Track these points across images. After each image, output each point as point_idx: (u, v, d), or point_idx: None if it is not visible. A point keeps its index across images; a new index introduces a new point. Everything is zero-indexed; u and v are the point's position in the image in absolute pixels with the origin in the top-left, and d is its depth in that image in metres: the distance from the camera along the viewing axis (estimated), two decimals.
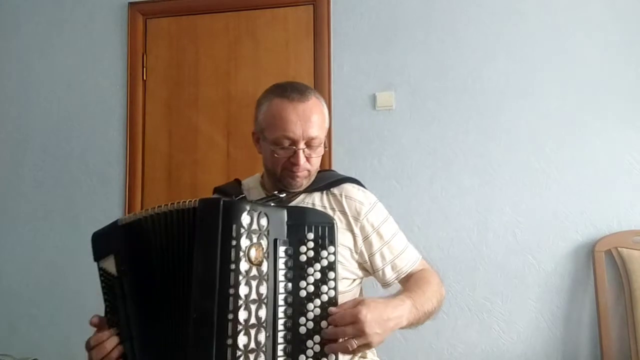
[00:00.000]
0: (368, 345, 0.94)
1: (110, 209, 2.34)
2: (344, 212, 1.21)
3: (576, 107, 2.04)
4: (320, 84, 2.21)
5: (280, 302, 0.95)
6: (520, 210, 2.04)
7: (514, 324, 2.01)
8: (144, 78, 2.39)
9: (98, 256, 1.06)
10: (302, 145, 1.16)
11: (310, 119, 1.16)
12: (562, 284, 1.99)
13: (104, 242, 1.06)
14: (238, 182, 1.36)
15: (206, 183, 2.27)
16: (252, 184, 1.34)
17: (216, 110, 2.32)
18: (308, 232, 0.99)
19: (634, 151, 1.99)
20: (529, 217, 2.03)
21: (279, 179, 1.21)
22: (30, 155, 2.46)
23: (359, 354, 1.21)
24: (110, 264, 1.04)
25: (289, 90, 1.17)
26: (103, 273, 1.05)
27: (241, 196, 1.23)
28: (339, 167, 2.10)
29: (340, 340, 0.93)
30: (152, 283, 1.00)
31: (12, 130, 2.49)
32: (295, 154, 1.16)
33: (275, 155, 1.17)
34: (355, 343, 0.92)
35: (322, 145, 1.21)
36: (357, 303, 0.96)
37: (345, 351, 0.93)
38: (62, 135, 2.44)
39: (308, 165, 1.19)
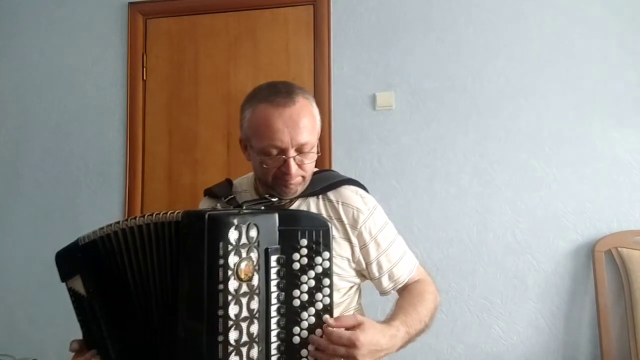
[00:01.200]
0: None
1: (110, 209, 2.35)
2: (340, 220, 1.14)
3: (576, 107, 2.04)
4: (320, 84, 2.21)
5: (273, 313, 0.92)
6: (520, 210, 2.04)
7: (514, 324, 2.01)
8: (144, 78, 2.39)
9: (64, 277, 1.00)
10: (292, 153, 1.06)
11: (298, 125, 1.05)
12: (562, 284, 1.99)
13: (67, 262, 1.00)
14: (229, 183, 1.29)
15: (206, 183, 2.23)
16: (245, 186, 1.27)
17: (216, 110, 2.32)
18: (301, 238, 0.95)
19: (634, 151, 1.98)
20: (528, 217, 2.03)
21: (271, 187, 1.13)
22: (30, 155, 2.46)
23: None
24: (78, 285, 0.98)
25: (274, 94, 1.06)
26: (72, 294, 1.00)
27: (230, 197, 1.18)
28: (339, 167, 2.10)
29: (330, 351, 0.91)
30: (127, 302, 0.95)
31: (12, 130, 2.49)
32: (285, 163, 1.06)
33: (265, 166, 1.08)
34: None
35: (316, 148, 1.11)
36: (357, 325, 0.94)
37: None
38: (62, 135, 2.44)
39: (301, 172, 1.10)
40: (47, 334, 2.34)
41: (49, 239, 2.39)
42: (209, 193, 1.28)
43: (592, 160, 2.01)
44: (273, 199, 1.11)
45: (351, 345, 0.90)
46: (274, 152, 1.06)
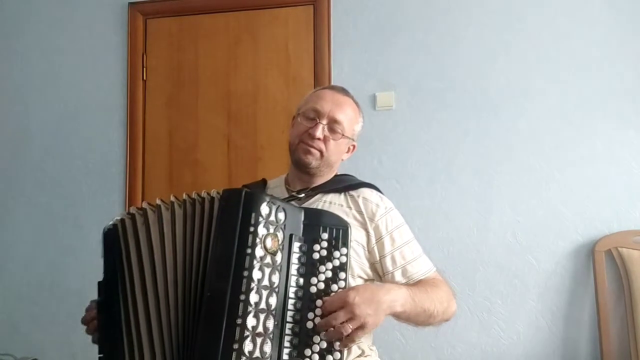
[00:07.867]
0: (362, 328, 0.93)
1: (110, 209, 2.34)
2: (360, 212, 1.23)
3: (576, 107, 2.04)
4: (320, 84, 2.20)
5: (291, 294, 0.97)
6: (520, 210, 2.04)
7: (514, 324, 2.01)
8: (144, 78, 2.39)
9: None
10: (324, 120, 1.24)
11: (341, 105, 1.26)
12: (562, 284, 1.99)
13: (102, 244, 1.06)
14: (264, 182, 1.41)
15: (207, 183, 2.27)
16: (277, 183, 1.38)
17: (216, 110, 2.32)
18: (323, 232, 1.02)
19: (634, 151, 1.99)
20: (529, 217, 2.03)
21: (294, 152, 1.27)
22: (31, 155, 2.46)
23: (365, 354, 1.21)
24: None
25: (334, 86, 1.38)
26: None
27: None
28: (339, 167, 2.10)
29: (334, 324, 0.92)
30: (152, 282, 0.98)
31: (12, 130, 2.49)
32: (315, 125, 1.23)
33: (299, 125, 1.26)
34: (349, 327, 0.92)
35: (343, 137, 1.27)
36: (348, 289, 0.97)
37: (341, 336, 0.92)
38: (63, 135, 2.43)
39: (323, 145, 1.25)
40: (47, 334, 2.34)
41: (49, 239, 2.39)
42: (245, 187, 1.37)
43: (592, 160, 2.01)
44: (299, 196, 1.23)
45: (344, 304, 0.93)
46: (312, 115, 1.25)
